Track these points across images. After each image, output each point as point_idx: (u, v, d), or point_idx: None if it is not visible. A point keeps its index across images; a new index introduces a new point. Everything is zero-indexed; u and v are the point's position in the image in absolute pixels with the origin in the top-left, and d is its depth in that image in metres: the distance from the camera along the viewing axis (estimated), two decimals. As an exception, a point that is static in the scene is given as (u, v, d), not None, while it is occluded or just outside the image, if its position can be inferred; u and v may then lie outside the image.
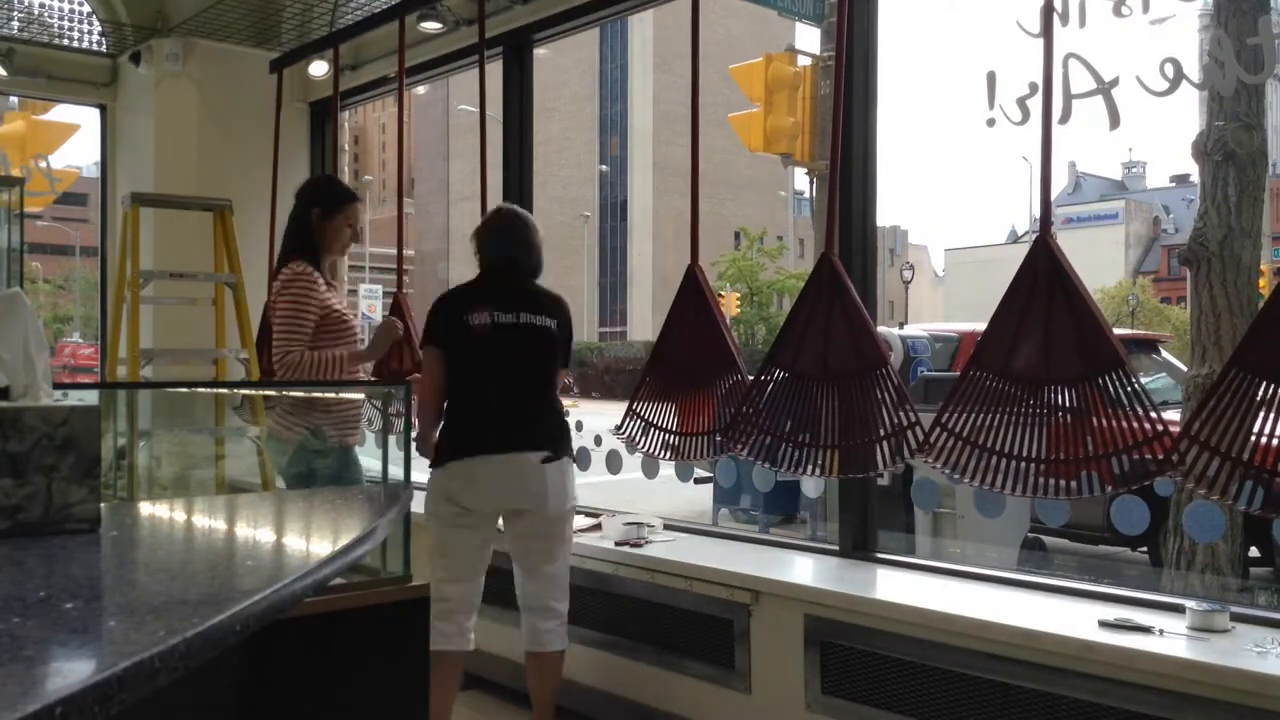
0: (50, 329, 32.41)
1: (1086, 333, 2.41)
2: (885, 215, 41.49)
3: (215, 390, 4.29)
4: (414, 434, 2.94)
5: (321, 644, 2.36)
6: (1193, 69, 2.35)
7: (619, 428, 3.45)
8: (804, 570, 3.04)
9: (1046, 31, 2.50)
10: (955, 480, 2.65)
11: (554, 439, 3.06)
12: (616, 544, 3.29)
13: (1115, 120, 2.45)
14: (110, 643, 1.01)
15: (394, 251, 5.01)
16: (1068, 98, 2.48)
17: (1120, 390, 2.37)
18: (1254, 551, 5.32)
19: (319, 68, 5.06)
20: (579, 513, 3.73)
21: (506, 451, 2.96)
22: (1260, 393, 2.18)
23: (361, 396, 3.57)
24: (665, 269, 44.35)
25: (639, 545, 3.27)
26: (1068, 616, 2.38)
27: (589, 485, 4.16)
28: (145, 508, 2.63)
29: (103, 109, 5.72)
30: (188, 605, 1.15)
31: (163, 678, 0.88)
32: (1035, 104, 2.54)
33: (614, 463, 4.04)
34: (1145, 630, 2.26)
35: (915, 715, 2.55)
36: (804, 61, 8.45)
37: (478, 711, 3.61)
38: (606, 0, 3.98)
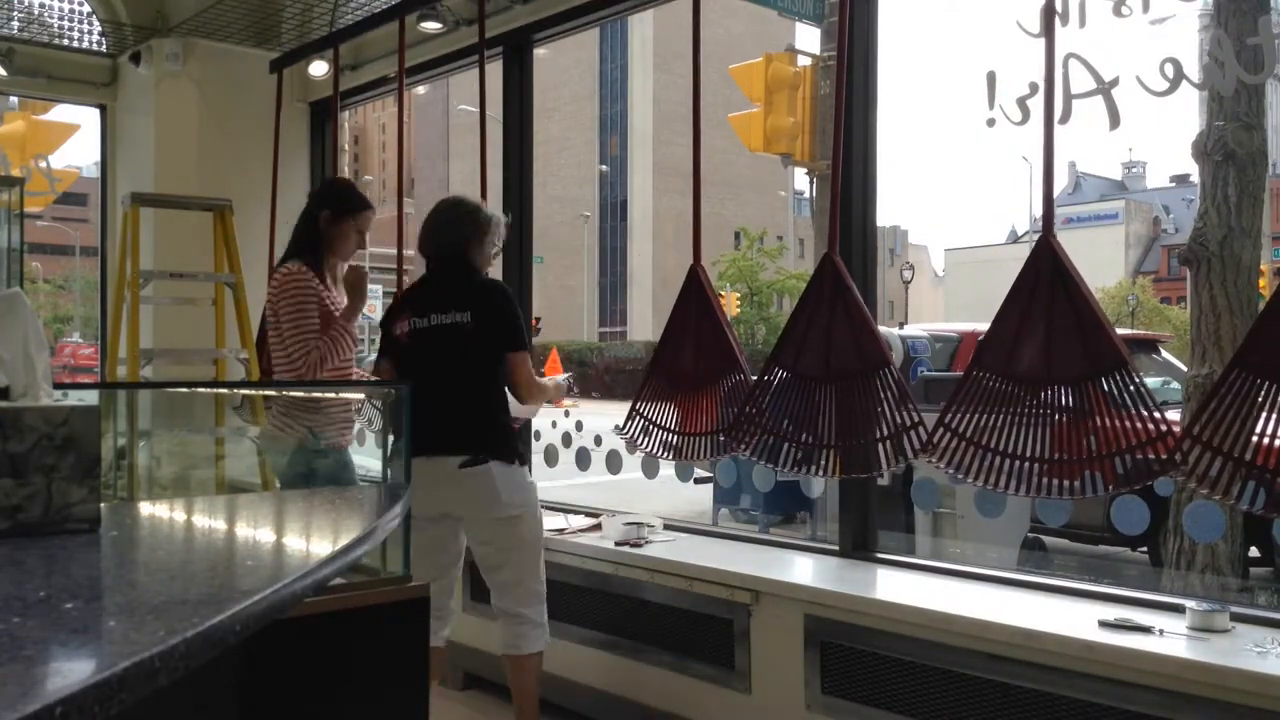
0: (50, 329, 32.41)
1: (1089, 333, 2.41)
2: (885, 215, 41.47)
3: (215, 390, 4.29)
4: None
5: (321, 644, 2.36)
6: (1193, 69, 2.35)
7: (621, 427, 3.45)
8: (804, 570, 3.04)
9: (1048, 31, 2.50)
10: (958, 480, 2.65)
11: (476, 443, 3.00)
12: (616, 544, 3.29)
13: (1115, 120, 2.45)
14: (110, 643, 1.01)
15: (394, 251, 5.01)
16: (1068, 98, 2.48)
17: (1123, 390, 2.37)
18: (1254, 551, 5.32)
19: (319, 68, 5.06)
20: (577, 513, 3.74)
21: (429, 455, 2.89)
22: (1262, 394, 2.18)
23: (359, 397, 3.57)
24: (665, 269, 44.37)
25: (639, 545, 3.26)
26: (1068, 616, 2.38)
27: (589, 485, 4.17)
28: (145, 508, 2.63)
29: (103, 109, 5.72)
30: (188, 605, 1.15)
31: (163, 678, 0.88)
32: (1035, 104, 2.54)
33: (614, 463, 4.03)
34: (1145, 630, 2.26)
35: (915, 715, 2.55)
36: (804, 61, 8.46)
37: (478, 711, 3.61)
38: (606, 0, 3.97)
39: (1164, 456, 2.32)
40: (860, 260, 3.03)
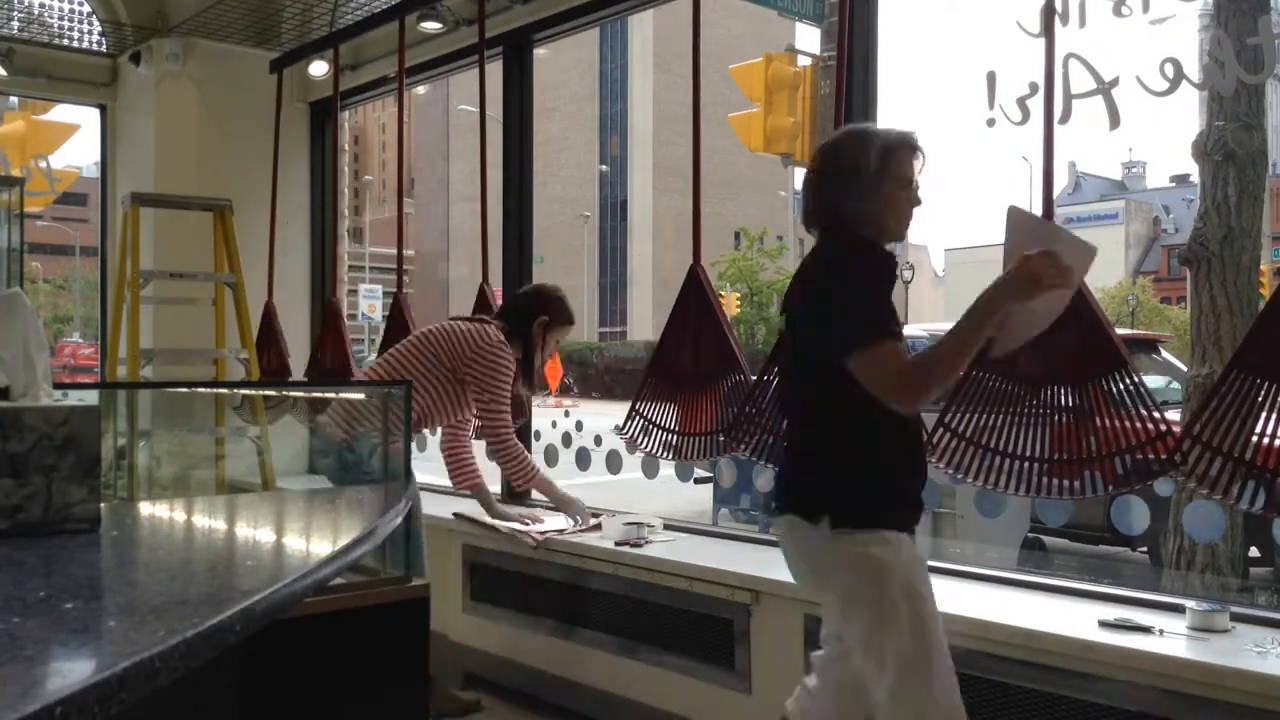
0: (50, 329, 32.42)
1: (1089, 332, 2.41)
2: (885, 215, 41.31)
3: (215, 390, 4.30)
4: None
5: (321, 644, 2.36)
6: (1193, 69, 2.35)
7: (621, 427, 3.45)
8: (804, 570, 3.04)
9: (1048, 31, 2.50)
10: (958, 481, 2.65)
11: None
12: (616, 544, 3.29)
13: (1115, 120, 2.45)
14: (110, 643, 1.01)
15: (394, 251, 5.01)
16: (1068, 98, 2.48)
17: (1123, 390, 2.37)
18: (1254, 551, 5.32)
19: (319, 68, 5.06)
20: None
21: None
22: (1261, 394, 2.18)
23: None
24: (665, 269, 44.36)
25: (639, 545, 3.26)
26: (1068, 616, 2.38)
27: (589, 485, 4.17)
28: (145, 508, 2.63)
29: (103, 109, 5.72)
30: (188, 605, 1.15)
31: (163, 678, 0.88)
32: (1035, 104, 2.54)
33: (614, 463, 4.04)
34: (1145, 630, 2.26)
35: (915, 715, 2.55)
36: (804, 61, 8.45)
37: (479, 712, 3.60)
38: (606, 0, 3.97)
39: (1164, 456, 2.32)
40: (860, 260, 3.02)
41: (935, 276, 53.31)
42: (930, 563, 2.99)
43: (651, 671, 3.18)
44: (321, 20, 4.98)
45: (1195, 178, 5.42)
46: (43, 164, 6.60)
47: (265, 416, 4.26)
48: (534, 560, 3.50)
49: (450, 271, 52.34)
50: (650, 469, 3.74)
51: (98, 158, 5.86)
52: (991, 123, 2.60)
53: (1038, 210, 2.51)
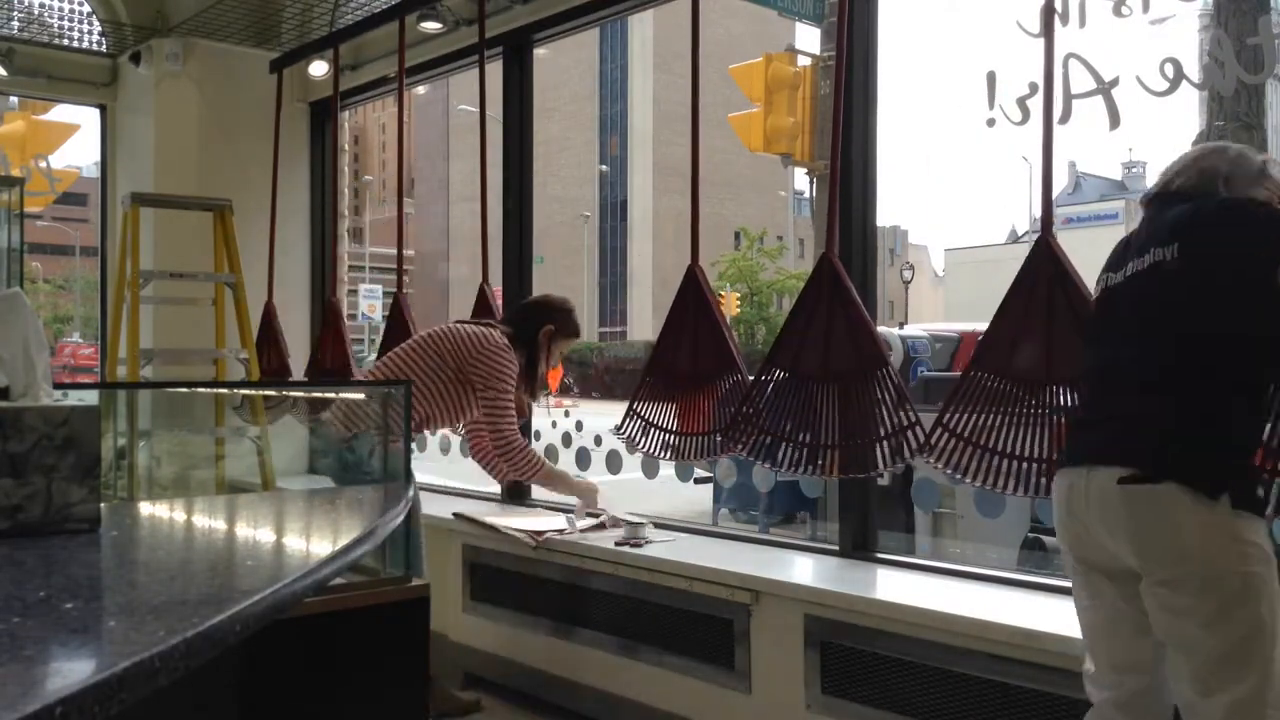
0: (50, 329, 32.41)
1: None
2: (885, 215, 41.47)
3: (215, 390, 4.30)
4: None
5: (321, 644, 2.36)
6: (1193, 69, 2.35)
7: (619, 428, 3.45)
8: (804, 570, 3.04)
9: (1048, 31, 2.50)
10: (957, 481, 2.65)
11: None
12: (616, 544, 3.29)
13: (1115, 120, 2.45)
14: (110, 643, 1.01)
15: (394, 251, 5.01)
16: (1068, 98, 2.48)
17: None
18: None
19: (319, 68, 5.06)
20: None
21: None
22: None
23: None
24: (665, 269, 44.34)
25: (639, 545, 3.26)
26: (1068, 616, 2.38)
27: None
28: (145, 508, 2.63)
29: (103, 109, 5.72)
30: (188, 605, 1.15)
31: (163, 678, 0.88)
32: (1035, 104, 2.54)
33: (614, 463, 4.04)
34: (1145, 630, 2.26)
35: (915, 715, 2.55)
36: (804, 61, 8.46)
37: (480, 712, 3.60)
38: (606, 0, 3.97)
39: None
40: (860, 260, 3.03)
41: (935, 276, 53.25)
42: (930, 563, 3.00)
43: (651, 671, 3.18)
44: (321, 20, 4.98)
45: (1195, 177, 5.40)
46: (43, 164, 6.60)
47: (265, 416, 4.26)
48: (534, 560, 3.50)
49: (450, 271, 52.32)
50: (650, 469, 3.75)
51: (98, 158, 5.86)
52: (991, 123, 2.61)
53: (1037, 210, 2.51)
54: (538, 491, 4.01)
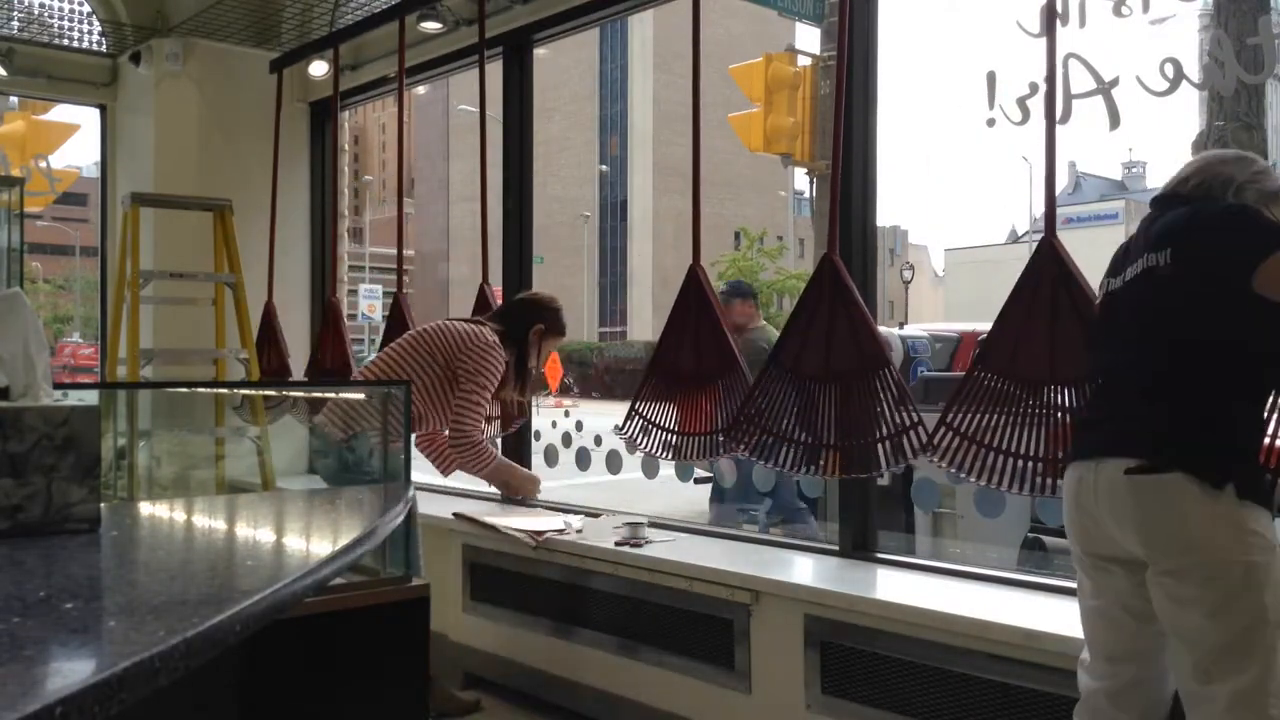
0: (50, 329, 32.40)
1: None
2: (885, 215, 41.51)
3: (215, 390, 4.30)
4: None
5: (321, 644, 2.36)
6: (1193, 69, 2.35)
7: (621, 427, 3.45)
8: (804, 570, 3.04)
9: (1050, 31, 2.50)
10: (961, 480, 2.65)
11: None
12: (616, 544, 3.29)
13: (1115, 120, 2.45)
14: (110, 643, 1.01)
15: (394, 251, 5.01)
16: (1068, 98, 2.48)
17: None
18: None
19: (319, 68, 5.06)
20: (577, 513, 3.73)
21: None
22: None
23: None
24: (665, 269, 44.36)
25: (639, 545, 3.26)
26: (1068, 616, 2.38)
27: (589, 485, 4.17)
28: (145, 508, 2.63)
29: (103, 109, 5.72)
30: (188, 605, 1.15)
31: (163, 678, 0.88)
32: (1035, 104, 2.54)
33: (614, 463, 4.04)
34: (1145, 630, 2.26)
35: (915, 715, 2.55)
36: (804, 61, 8.45)
37: (480, 712, 3.60)
38: (606, 0, 3.97)
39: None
40: (860, 260, 3.03)
41: (935, 276, 53.28)
42: (930, 563, 3.00)
43: (651, 671, 3.18)
44: (321, 20, 4.98)
45: (1195, 178, 5.41)
46: (43, 164, 6.60)
47: (265, 416, 4.26)
48: (534, 560, 3.50)
49: (450, 271, 52.32)
50: (650, 469, 3.75)
51: (98, 158, 5.86)
52: (991, 123, 2.61)
53: (1037, 210, 2.51)
54: (542, 492, 4.00)
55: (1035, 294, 2.50)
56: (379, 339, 4.78)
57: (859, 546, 3.04)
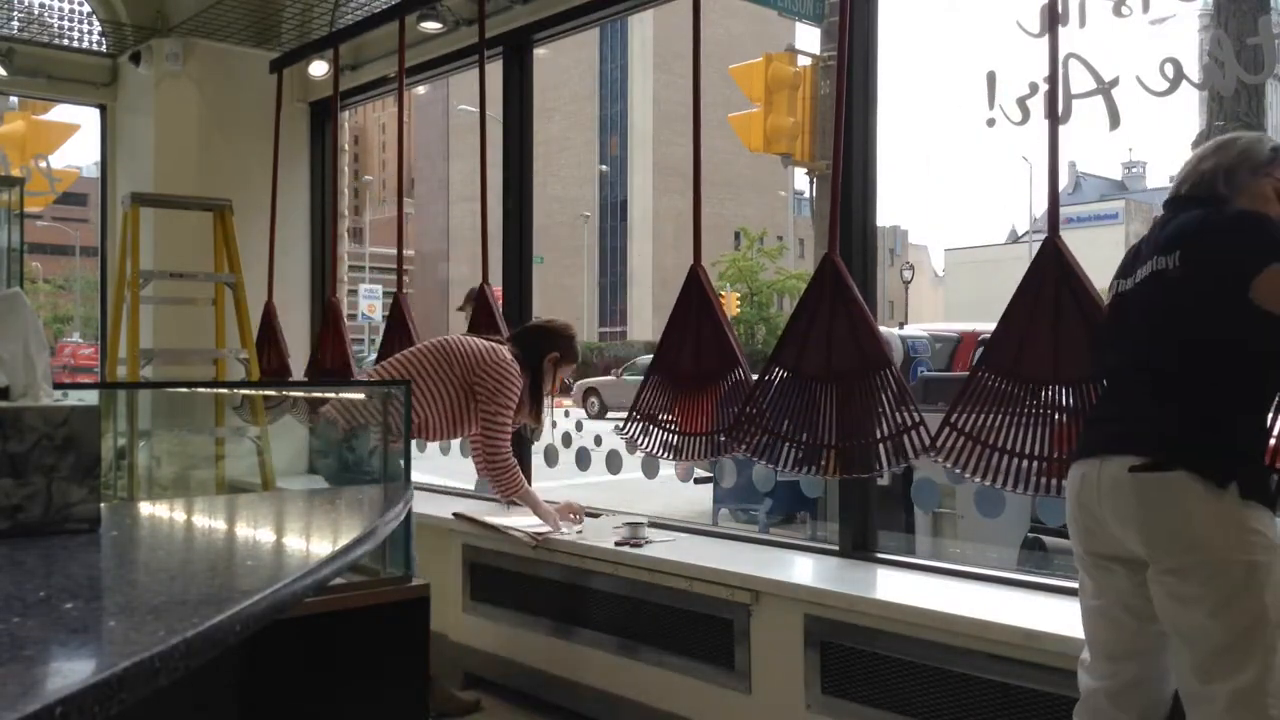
0: (50, 329, 32.40)
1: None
2: (885, 215, 41.47)
3: (215, 390, 4.30)
4: None
5: (321, 644, 2.36)
6: (1193, 69, 2.35)
7: (622, 427, 3.46)
8: (804, 570, 3.04)
9: (1051, 31, 2.50)
10: (960, 479, 2.65)
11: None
12: (616, 544, 3.29)
13: (1115, 120, 2.45)
14: (110, 643, 1.01)
15: (394, 251, 5.01)
16: (1068, 98, 2.48)
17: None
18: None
19: (319, 68, 5.06)
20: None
21: None
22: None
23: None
24: (665, 269, 44.36)
25: (639, 545, 3.26)
26: (1068, 616, 2.38)
27: (589, 485, 4.17)
28: (145, 508, 2.63)
29: (103, 109, 5.72)
30: (188, 605, 1.15)
31: (163, 678, 0.88)
32: (1035, 104, 2.54)
33: (614, 463, 4.04)
34: (1146, 630, 2.26)
35: (915, 715, 2.55)
36: (804, 61, 8.45)
37: (480, 712, 3.60)
38: (606, 0, 3.97)
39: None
40: (860, 260, 3.03)
41: (935, 276, 53.28)
42: (930, 563, 3.00)
43: (651, 671, 3.18)
44: (321, 20, 4.98)
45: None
46: (43, 164, 6.59)
47: (265, 416, 4.26)
48: (534, 560, 3.50)
49: (450, 271, 52.32)
50: (650, 469, 3.75)
51: (98, 158, 5.86)
52: (991, 123, 2.61)
53: (1041, 209, 2.52)
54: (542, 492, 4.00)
55: (1039, 294, 2.50)
56: (379, 339, 4.78)
57: (859, 546, 3.04)
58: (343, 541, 1.52)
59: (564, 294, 44.43)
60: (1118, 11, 2.41)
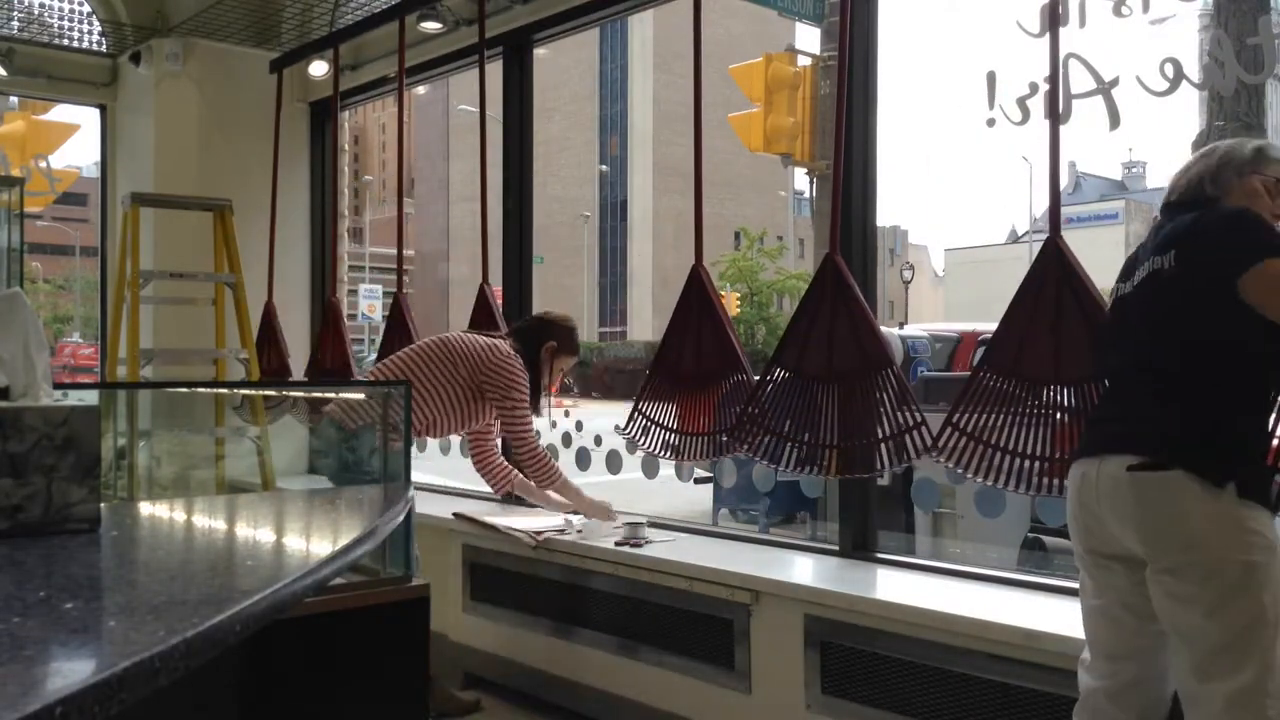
0: (50, 329, 32.40)
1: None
2: (885, 215, 41.51)
3: (215, 390, 4.30)
4: None
5: (321, 644, 2.36)
6: (1193, 69, 2.35)
7: (623, 427, 3.46)
8: (804, 570, 3.04)
9: (1051, 31, 2.50)
10: (964, 479, 2.65)
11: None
12: (616, 544, 3.29)
13: (1115, 120, 2.45)
14: (110, 643, 1.01)
15: (394, 251, 5.01)
16: (1068, 98, 2.48)
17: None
18: None
19: (319, 68, 5.06)
20: (576, 514, 3.73)
21: None
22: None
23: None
24: (665, 269, 44.36)
25: (639, 545, 3.26)
26: (1068, 616, 2.38)
27: (589, 485, 4.16)
28: (145, 508, 2.63)
29: (103, 109, 5.72)
30: (188, 605, 1.15)
31: (163, 678, 0.88)
32: (1035, 104, 2.54)
33: (614, 463, 4.04)
34: (1146, 630, 2.25)
35: (915, 715, 2.55)
36: (804, 61, 8.45)
37: (480, 712, 3.60)
38: (606, 0, 3.97)
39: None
40: (860, 260, 3.03)
41: (935, 276, 53.28)
42: (930, 563, 3.00)
43: (651, 671, 3.18)
44: (321, 20, 4.98)
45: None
46: (43, 164, 6.59)
47: (265, 416, 4.26)
48: (534, 560, 3.50)
49: (450, 271, 52.34)
50: (650, 469, 3.74)
51: (98, 158, 5.86)
52: (991, 123, 2.61)
53: (1040, 209, 2.52)
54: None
55: (1040, 294, 2.50)
56: (379, 339, 4.78)
57: (859, 546, 3.04)
58: (343, 541, 1.52)
59: (564, 294, 44.42)
60: (1118, 11, 2.41)
